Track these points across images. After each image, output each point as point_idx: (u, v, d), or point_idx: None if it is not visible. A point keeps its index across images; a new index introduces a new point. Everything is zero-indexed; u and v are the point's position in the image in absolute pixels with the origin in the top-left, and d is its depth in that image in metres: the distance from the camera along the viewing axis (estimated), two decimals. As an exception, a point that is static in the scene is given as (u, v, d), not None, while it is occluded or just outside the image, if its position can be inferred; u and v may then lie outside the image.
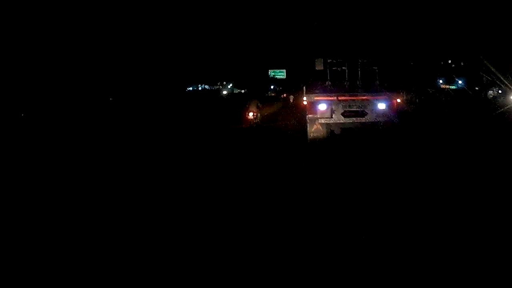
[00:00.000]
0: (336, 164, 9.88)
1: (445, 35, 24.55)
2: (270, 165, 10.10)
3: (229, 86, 73.14)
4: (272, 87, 70.53)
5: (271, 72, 71.52)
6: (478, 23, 26.85)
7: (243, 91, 69.24)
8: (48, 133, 17.39)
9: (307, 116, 13.32)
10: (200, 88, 72.01)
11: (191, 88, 67.29)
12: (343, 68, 13.31)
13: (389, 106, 13.69)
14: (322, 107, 13.10)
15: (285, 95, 59.36)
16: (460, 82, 28.86)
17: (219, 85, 72.93)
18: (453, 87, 29.62)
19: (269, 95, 61.23)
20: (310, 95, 13.17)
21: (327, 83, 13.32)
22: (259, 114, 18.22)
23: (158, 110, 27.64)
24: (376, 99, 13.40)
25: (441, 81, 28.81)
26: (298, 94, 22.72)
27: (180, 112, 25.90)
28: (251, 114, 17.86)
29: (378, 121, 13.35)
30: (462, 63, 29.11)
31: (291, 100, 53.46)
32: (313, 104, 13.15)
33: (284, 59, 66.82)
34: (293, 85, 62.00)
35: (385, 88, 13.58)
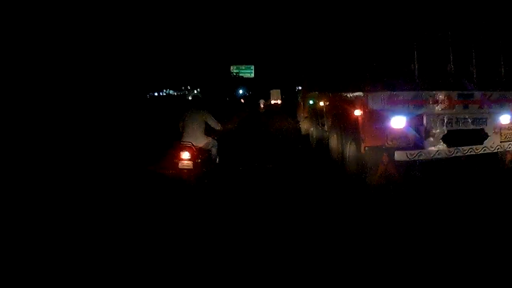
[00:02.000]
0: None
1: None
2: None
3: (195, 91, 63.32)
4: (241, 91, 51.10)
5: (234, 69, 49.18)
6: None
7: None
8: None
9: (362, 145, 5.18)
10: (164, 93, 62.08)
11: (156, 94, 56.99)
12: (444, 39, 5.25)
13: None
14: (400, 122, 5.04)
15: (242, 100, 47.30)
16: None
17: (184, 90, 63.18)
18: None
19: (240, 100, 47.98)
20: (373, 95, 4.96)
21: (412, 67, 5.14)
22: (214, 149, 6.14)
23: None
24: (500, 105, 5.53)
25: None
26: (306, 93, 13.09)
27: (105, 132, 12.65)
28: (185, 155, 5.53)
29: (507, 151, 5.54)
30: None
31: (262, 105, 44.40)
32: (377, 117, 5.06)
33: (252, 52, 52.07)
34: (265, 86, 49.79)
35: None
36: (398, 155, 4.86)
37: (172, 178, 5.69)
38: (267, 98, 45.98)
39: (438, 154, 5.05)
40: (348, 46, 5.98)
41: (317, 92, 9.24)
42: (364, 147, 5.03)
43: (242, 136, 13.51)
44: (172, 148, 5.80)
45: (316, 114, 9.59)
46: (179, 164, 5.48)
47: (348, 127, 5.82)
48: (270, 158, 8.64)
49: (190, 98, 54.72)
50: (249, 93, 51.65)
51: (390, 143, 4.97)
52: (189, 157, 5.50)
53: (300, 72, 13.10)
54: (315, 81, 9.30)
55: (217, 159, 6.29)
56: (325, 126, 8.39)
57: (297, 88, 15.39)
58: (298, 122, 14.71)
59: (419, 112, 4.98)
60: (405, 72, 5.01)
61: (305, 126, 12.25)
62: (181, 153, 5.54)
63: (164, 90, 62.66)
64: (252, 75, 51.18)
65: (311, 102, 10.41)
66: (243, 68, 50.44)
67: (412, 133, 4.99)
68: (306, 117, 11.89)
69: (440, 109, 5.08)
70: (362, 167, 5.19)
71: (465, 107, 5.23)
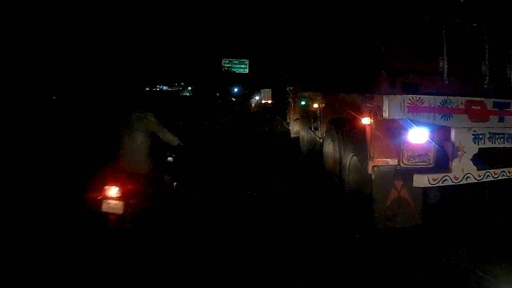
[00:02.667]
0: None
1: None
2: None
3: (189, 88, 60.67)
4: (235, 89, 45.10)
5: (225, 63, 42.98)
6: None
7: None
8: None
9: (369, 163, 3.78)
10: (158, 89, 59.52)
11: (147, 89, 54.13)
12: (479, 32, 3.88)
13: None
14: (421, 136, 3.71)
15: (233, 99, 42.54)
16: None
17: (177, 86, 60.90)
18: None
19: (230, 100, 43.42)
20: (390, 99, 3.47)
21: (440, 63, 3.70)
22: (167, 175, 4.03)
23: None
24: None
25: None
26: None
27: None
28: (113, 191, 3.33)
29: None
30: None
31: (253, 105, 42.43)
32: (392, 127, 3.73)
33: (247, 46, 44.22)
34: (259, 83, 45.31)
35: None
36: (418, 180, 3.51)
37: (93, 221, 3.47)
38: (258, 97, 44.14)
39: (466, 179, 3.71)
40: (356, 34, 4.47)
41: (310, 92, 7.88)
42: (372, 166, 3.67)
43: (225, 141, 11.78)
44: (97, 176, 3.46)
45: (308, 117, 8.25)
46: (103, 205, 3.30)
47: (351, 138, 4.44)
48: (254, 172, 6.90)
49: (186, 94, 49.45)
50: (244, 92, 46.59)
51: (407, 162, 3.62)
52: (119, 195, 3.32)
53: (291, 69, 11.68)
54: (309, 78, 7.90)
55: (175, 185, 4.29)
56: (319, 131, 7.04)
57: (288, 88, 13.96)
58: (287, 123, 13.42)
59: (446, 123, 3.64)
60: (432, 70, 3.64)
61: (295, 128, 10.98)
62: (106, 187, 3.33)
63: (158, 86, 60.36)
64: (246, 70, 45.71)
65: (303, 102, 9.05)
66: (236, 62, 44.66)
67: (435, 150, 3.65)
68: (296, 119, 10.58)
69: (471, 121, 3.75)
70: (367, 190, 3.83)
71: (501, 119, 3.91)
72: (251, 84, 44.56)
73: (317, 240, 3.86)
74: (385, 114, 3.45)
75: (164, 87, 63.62)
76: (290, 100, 12.57)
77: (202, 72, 36.41)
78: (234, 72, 43.87)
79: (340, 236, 3.94)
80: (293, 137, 11.11)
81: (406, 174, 3.63)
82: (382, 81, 3.53)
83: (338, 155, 5.05)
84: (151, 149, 3.68)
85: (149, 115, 3.69)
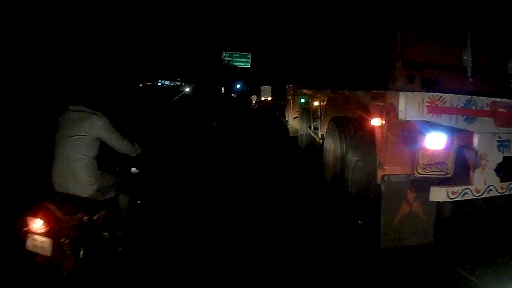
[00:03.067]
0: None
1: None
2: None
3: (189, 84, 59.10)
4: (238, 86, 40.36)
5: (225, 56, 37.54)
6: None
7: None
8: None
9: (378, 171, 3.22)
10: (159, 84, 58.48)
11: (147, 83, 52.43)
12: (506, 24, 3.31)
13: None
14: (439, 141, 3.14)
15: (233, 95, 38.48)
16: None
17: (179, 81, 59.86)
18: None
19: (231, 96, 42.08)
20: (408, 96, 2.85)
21: (464, 58, 3.05)
22: (123, 197, 2.94)
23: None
24: None
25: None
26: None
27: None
28: (38, 224, 2.27)
29: None
30: None
31: (254, 102, 41.41)
32: (407, 131, 3.17)
33: (249, 38, 39.23)
34: (262, 79, 42.70)
35: None
36: (435, 193, 2.95)
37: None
38: (258, 94, 43.37)
39: (488, 192, 3.16)
40: (366, 19, 3.81)
41: (310, 89, 7.31)
42: (382, 176, 3.11)
43: (220, 140, 10.76)
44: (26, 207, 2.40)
45: (308, 115, 7.69)
46: (27, 242, 2.33)
47: (356, 140, 3.87)
48: (246, 179, 5.79)
49: (187, 89, 47.66)
50: (247, 88, 42.15)
51: (422, 172, 3.04)
52: (45, 229, 2.32)
53: (290, 65, 11.08)
54: (309, 75, 7.32)
55: (138, 202, 3.25)
56: (319, 131, 6.49)
57: (287, 85, 13.39)
58: (286, 121, 12.88)
59: (469, 127, 3.08)
60: (454, 65, 3.07)
61: (294, 127, 10.46)
62: (30, 219, 2.32)
63: (160, 81, 59.36)
64: (248, 65, 40.28)
65: (302, 100, 8.48)
66: (237, 55, 39.15)
67: (455, 158, 3.09)
68: (295, 117, 10.03)
69: (497, 126, 3.19)
70: (374, 202, 3.27)
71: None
72: (253, 80, 41.50)
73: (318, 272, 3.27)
74: (401, 115, 2.87)
75: (166, 82, 62.73)
76: (289, 98, 12.01)
77: (201, 67, 33.96)
78: (235, 66, 38.73)
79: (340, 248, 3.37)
80: (292, 136, 10.62)
81: (420, 185, 3.08)
82: (397, 75, 2.93)
83: (340, 158, 4.49)
84: (100, 162, 2.63)
85: (97, 114, 2.59)
